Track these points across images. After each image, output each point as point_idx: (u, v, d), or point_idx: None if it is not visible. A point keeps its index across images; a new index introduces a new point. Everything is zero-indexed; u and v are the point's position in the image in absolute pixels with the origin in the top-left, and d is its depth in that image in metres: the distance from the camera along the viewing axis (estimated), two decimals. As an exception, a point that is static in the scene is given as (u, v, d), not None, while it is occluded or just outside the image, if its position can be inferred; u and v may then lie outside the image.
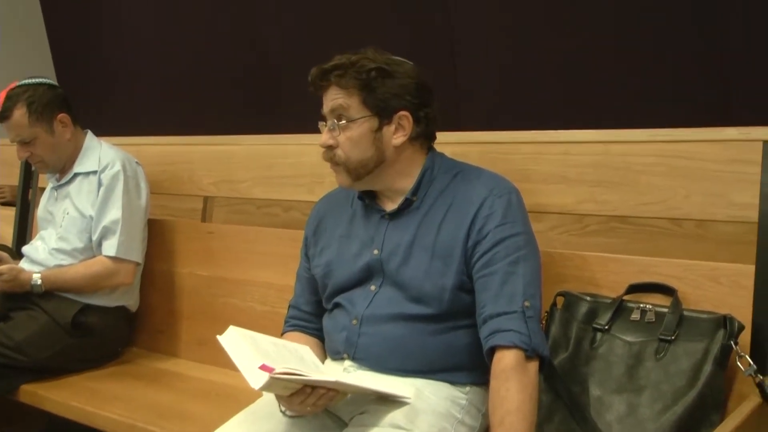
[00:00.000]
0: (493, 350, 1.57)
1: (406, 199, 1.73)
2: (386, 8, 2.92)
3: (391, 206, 1.76)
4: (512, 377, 1.52)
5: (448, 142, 1.99)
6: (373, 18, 2.95)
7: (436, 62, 2.71)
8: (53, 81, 2.53)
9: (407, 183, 1.75)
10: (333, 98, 1.70)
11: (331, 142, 1.72)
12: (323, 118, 1.74)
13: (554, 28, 2.54)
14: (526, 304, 1.58)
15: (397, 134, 1.71)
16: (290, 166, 2.48)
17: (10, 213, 3.10)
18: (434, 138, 1.79)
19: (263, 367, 1.49)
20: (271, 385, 1.48)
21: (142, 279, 2.61)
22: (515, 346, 1.54)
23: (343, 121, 1.69)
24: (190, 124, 3.23)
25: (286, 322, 1.91)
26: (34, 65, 3.96)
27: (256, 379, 1.47)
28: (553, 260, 1.85)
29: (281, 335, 1.88)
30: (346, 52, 1.71)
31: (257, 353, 1.55)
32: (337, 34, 2.92)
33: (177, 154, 2.80)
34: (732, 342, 1.56)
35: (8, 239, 3.01)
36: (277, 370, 1.47)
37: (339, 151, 1.71)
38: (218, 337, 1.61)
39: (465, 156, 1.94)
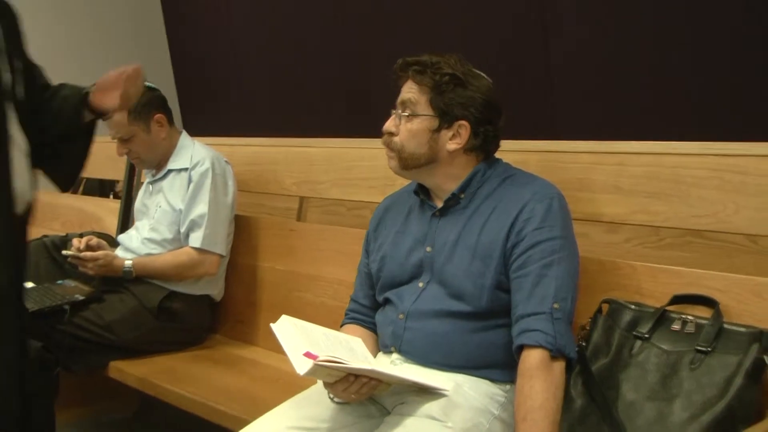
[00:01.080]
0: (520, 349, 1.64)
1: (453, 195, 1.82)
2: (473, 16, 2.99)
3: (441, 205, 1.85)
4: (537, 375, 1.59)
5: (510, 150, 2.04)
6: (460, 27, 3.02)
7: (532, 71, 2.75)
8: (153, 84, 2.75)
9: (456, 185, 1.83)
10: (407, 90, 1.82)
11: (392, 128, 1.83)
12: (395, 107, 1.85)
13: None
14: (555, 306, 1.64)
15: (453, 140, 1.80)
16: (367, 169, 2.60)
17: (117, 205, 3.36)
18: (492, 153, 1.87)
19: (307, 354, 1.61)
20: (315, 371, 1.58)
21: (227, 271, 2.78)
22: (540, 346, 1.61)
23: (408, 113, 1.80)
24: (293, 126, 3.43)
25: (345, 314, 2.02)
26: (153, 68, 4.27)
27: (301, 365, 1.59)
28: (604, 268, 1.89)
29: (340, 327, 1.98)
30: (435, 52, 1.83)
31: (306, 341, 1.67)
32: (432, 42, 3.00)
33: (264, 155, 2.98)
34: (766, 356, 1.57)
35: (113, 229, 3.27)
36: (321, 358, 1.58)
37: (396, 139, 1.82)
38: (271, 324, 1.74)
39: (524, 164, 2.01)
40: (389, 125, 1.84)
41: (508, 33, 2.83)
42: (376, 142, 2.51)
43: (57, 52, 4.66)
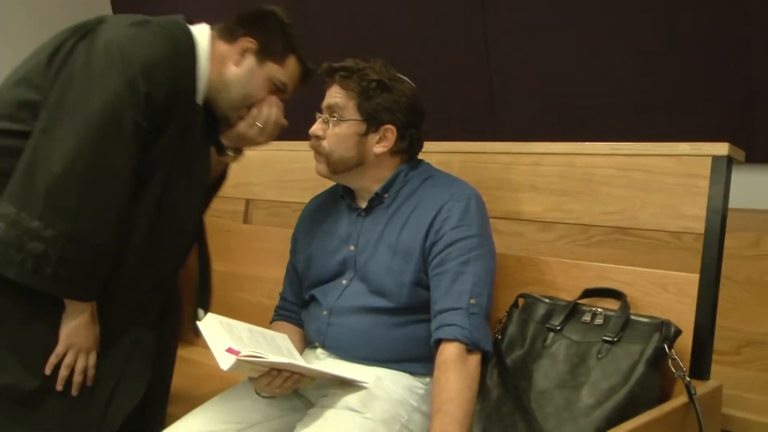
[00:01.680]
0: (438, 342, 1.70)
1: (377, 195, 1.87)
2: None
3: (365, 205, 1.90)
4: (452, 368, 1.65)
5: (434, 151, 2.11)
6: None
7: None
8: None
9: (380, 186, 1.89)
10: (333, 95, 1.85)
11: (320, 132, 1.86)
12: (321, 110, 1.90)
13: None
14: (472, 301, 1.70)
15: (379, 144, 1.85)
16: (300, 171, 2.65)
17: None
18: (415, 154, 1.93)
19: (230, 350, 1.66)
20: (238, 366, 1.63)
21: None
22: (456, 340, 1.67)
23: (335, 118, 1.84)
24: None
25: (274, 311, 2.06)
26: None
27: (224, 361, 1.64)
28: (520, 264, 1.96)
29: (270, 323, 2.03)
30: (358, 58, 1.87)
31: (230, 338, 1.72)
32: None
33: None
34: (666, 345, 1.66)
35: None
36: (243, 353, 1.63)
37: (324, 143, 1.86)
38: (197, 322, 1.79)
39: (447, 164, 2.08)
40: (316, 129, 1.88)
41: (449, 35, 2.89)
42: (305, 145, 2.58)
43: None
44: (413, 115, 1.87)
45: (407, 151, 1.89)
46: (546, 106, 2.67)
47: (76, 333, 1.81)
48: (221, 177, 2.11)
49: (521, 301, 1.89)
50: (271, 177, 2.77)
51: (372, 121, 1.84)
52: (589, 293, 1.83)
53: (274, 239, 2.54)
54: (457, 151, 2.17)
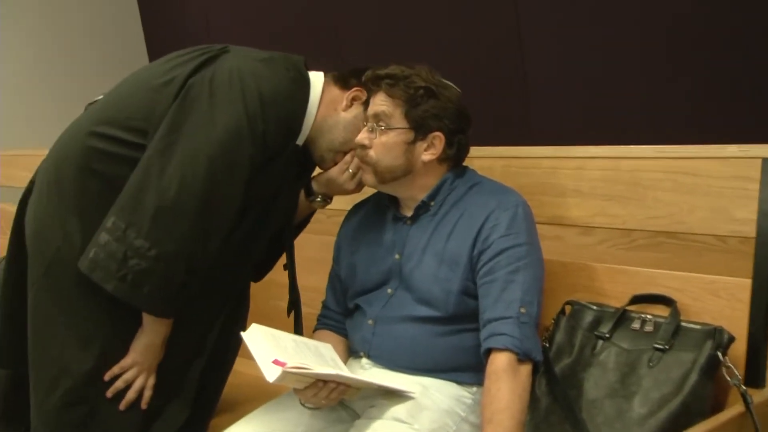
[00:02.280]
0: (488, 352, 1.70)
1: (423, 202, 1.86)
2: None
3: (411, 213, 1.89)
4: (503, 378, 1.65)
5: (477, 156, 2.09)
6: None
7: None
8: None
9: (426, 194, 1.87)
10: (379, 103, 1.84)
11: (366, 141, 1.85)
12: (366, 119, 1.89)
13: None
14: (522, 310, 1.69)
15: (427, 152, 1.84)
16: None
17: None
18: (462, 161, 1.92)
19: (276, 362, 1.66)
20: (284, 378, 1.64)
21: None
22: (507, 349, 1.66)
23: (382, 127, 1.83)
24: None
25: (317, 320, 2.06)
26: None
27: (270, 373, 1.64)
28: (567, 270, 1.94)
29: (313, 332, 2.03)
30: (403, 64, 1.87)
31: (276, 349, 1.72)
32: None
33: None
34: (719, 353, 1.63)
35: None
36: (289, 365, 1.63)
37: (372, 152, 1.84)
38: (242, 333, 1.79)
39: (489, 170, 2.05)
40: (363, 138, 1.85)
41: (484, 41, 2.88)
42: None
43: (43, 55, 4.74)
44: (460, 121, 1.86)
45: (454, 158, 1.88)
46: (583, 107, 2.64)
47: (146, 351, 1.86)
48: (304, 221, 2.15)
49: (568, 308, 1.87)
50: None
51: (420, 129, 1.82)
52: (637, 299, 1.81)
53: (312, 247, 2.47)
54: (499, 156, 2.15)
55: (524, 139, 2.49)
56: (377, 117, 1.84)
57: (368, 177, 1.88)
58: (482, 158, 2.13)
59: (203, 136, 1.77)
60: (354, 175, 1.96)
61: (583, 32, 2.64)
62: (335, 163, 1.98)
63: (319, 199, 2.04)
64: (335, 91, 1.94)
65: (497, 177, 1.97)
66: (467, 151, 1.91)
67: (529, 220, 1.81)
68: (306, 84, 1.91)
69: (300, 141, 1.92)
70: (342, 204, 2.55)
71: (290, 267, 2.09)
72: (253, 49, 1.94)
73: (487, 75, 2.86)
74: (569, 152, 2.05)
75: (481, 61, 2.91)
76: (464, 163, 1.94)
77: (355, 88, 1.93)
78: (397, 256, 1.86)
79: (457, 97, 1.86)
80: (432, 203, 1.86)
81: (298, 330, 2.09)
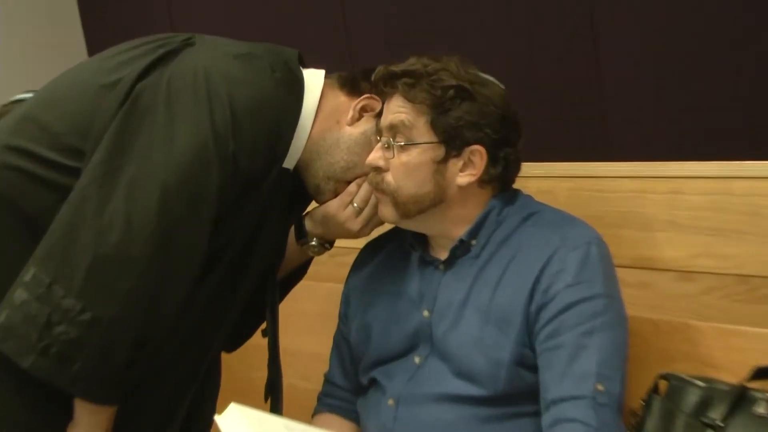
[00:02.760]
0: (554, 446, 1.62)
1: (461, 241, 1.80)
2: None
3: (445, 255, 1.83)
4: (575, 483, 1.58)
5: (533, 176, 2.05)
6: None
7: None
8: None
9: (466, 228, 1.81)
10: (396, 110, 1.78)
11: (381, 163, 1.79)
12: (379, 131, 1.82)
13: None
14: (599, 387, 1.62)
15: (464, 172, 1.77)
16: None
17: None
18: (511, 182, 1.86)
19: None
20: None
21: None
22: (580, 442, 1.60)
23: (402, 142, 1.77)
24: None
25: (318, 400, 2.02)
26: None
27: None
28: (659, 331, 1.89)
29: (312, 417, 2.00)
30: (426, 55, 1.80)
31: None
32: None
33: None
34: None
35: None
36: None
37: (389, 177, 1.79)
38: (216, 417, 1.68)
39: (551, 194, 2.07)
40: (376, 158, 1.80)
41: (553, 38, 2.84)
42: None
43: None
44: (507, 129, 1.79)
45: (500, 180, 1.81)
46: (678, 112, 2.58)
47: None
48: (296, 274, 2.10)
49: (663, 385, 1.78)
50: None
51: (452, 142, 1.76)
52: (762, 373, 1.71)
53: (312, 298, 2.45)
54: (563, 176, 2.13)
55: (597, 153, 2.43)
56: (394, 129, 1.78)
57: (386, 210, 1.81)
58: (540, 178, 2.11)
59: (156, 161, 1.68)
60: (360, 211, 1.90)
61: (675, 18, 2.56)
62: (336, 195, 1.91)
63: (313, 243, 1.97)
64: (340, 97, 1.89)
65: (562, 205, 1.91)
66: (518, 170, 1.85)
67: (606, 263, 1.75)
68: (298, 87, 1.83)
69: (289, 165, 1.85)
70: (352, 241, 2.48)
71: (271, 334, 2.01)
72: (228, 41, 1.87)
73: (546, 70, 2.82)
74: (660, 170, 2.01)
75: (539, 52, 2.87)
76: (514, 186, 1.89)
77: (366, 96, 1.88)
78: (425, 313, 1.81)
79: (500, 97, 1.80)
80: (473, 242, 1.80)
81: (274, 406, 2.03)
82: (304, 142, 1.84)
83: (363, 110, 1.87)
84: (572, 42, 2.73)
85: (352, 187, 1.88)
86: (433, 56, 1.80)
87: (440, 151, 1.76)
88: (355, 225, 1.90)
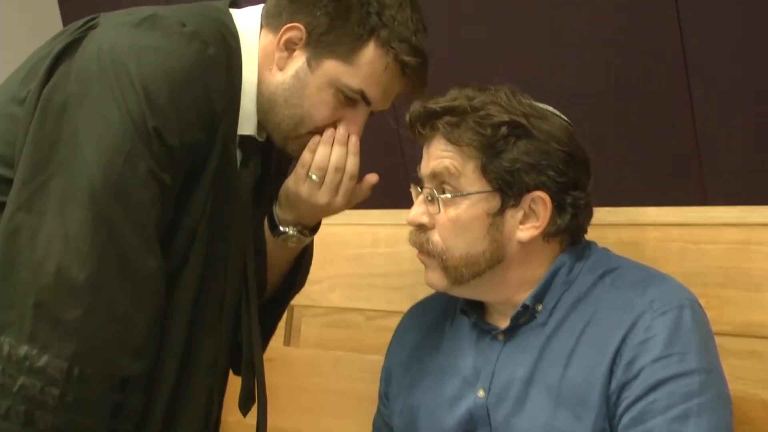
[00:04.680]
0: None
1: (524, 307, 1.81)
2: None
3: (505, 323, 1.85)
4: None
5: (610, 224, 2.11)
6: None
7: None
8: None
9: (529, 292, 1.83)
10: (438, 156, 1.82)
11: (424, 219, 1.83)
12: (417, 180, 1.85)
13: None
14: None
15: (525, 224, 1.81)
16: (388, 259, 2.61)
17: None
18: (582, 234, 1.88)
19: None
20: None
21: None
22: None
23: (448, 194, 1.80)
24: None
25: None
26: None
27: None
28: (772, 415, 1.89)
29: None
30: (469, 86, 1.83)
31: None
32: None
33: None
34: None
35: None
36: None
37: (435, 236, 1.82)
38: None
39: (635, 246, 2.06)
40: (418, 215, 1.84)
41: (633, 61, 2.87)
42: (402, 215, 2.52)
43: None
44: (574, 170, 1.82)
45: (569, 231, 1.84)
46: None
47: None
48: (292, 276, 2.14)
49: None
50: (336, 268, 2.73)
51: (509, 190, 1.79)
52: None
53: (346, 372, 2.53)
54: (649, 223, 2.13)
55: (691, 196, 2.43)
56: (438, 178, 1.82)
57: (434, 276, 1.85)
58: (620, 227, 2.14)
59: (80, 166, 1.70)
60: (321, 180, 1.93)
61: None
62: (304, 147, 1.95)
63: (290, 230, 2.01)
64: (268, 37, 1.92)
65: (648, 259, 1.95)
66: (589, 217, 1.88)
67: (703, 329, 1.74)
68: (227, 34, 1.87)
69: (249, 130, 1.90)
70: (382, 302, 2.52)
71: (260, 397, 2.06)
72: (131, 10, 1.88)
73: (624, 98, 2.80)
74: None
75: (616, 79, 2.86)
76: (587, 237, 1.92)
77: (286, 26, 1.89)
78: (481, 393, 1.83)
79: (563, 132, 1.83)
80: (539, 307, 1.83)
81: None
82: (253, 102, 1.89)
83: (288, 45, 1.89)
84: (658, 68, 2.74)
85: (305, 155, 1.92)
86: (478, 86, 1.83)
87: (495, 202, 1.79)
88: (322, 198, 1.94)
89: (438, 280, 1.84)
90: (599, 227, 1.91)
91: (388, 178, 3.10)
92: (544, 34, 2.86)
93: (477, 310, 1.89)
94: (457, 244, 1.80)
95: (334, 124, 1.90)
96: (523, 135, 1.78)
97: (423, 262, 1.86)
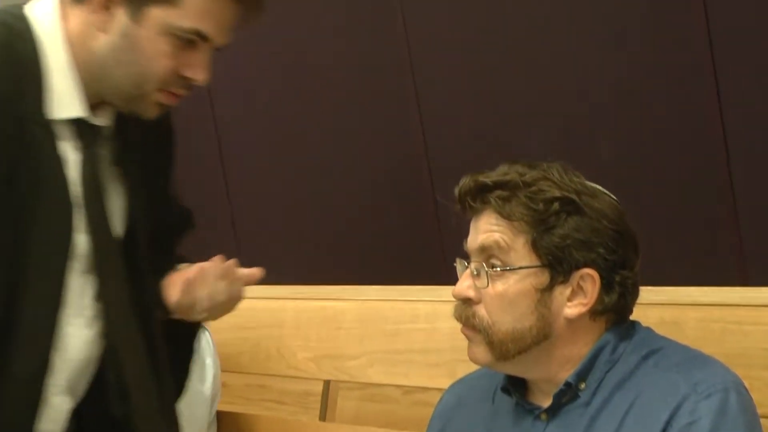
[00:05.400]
0: None
1: (568, 385, 1.79)
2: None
3: (548, 402, 1.83)
4: None
5: (654, 303, 2.08)
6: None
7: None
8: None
9: (571, 370, 1.82)
10: (487, 230, 1.81)
11: (471, 293, 1.81)
12: (465, 255, 1.84)
13: None
14: None
15: (573, 301, 1.79)
16: (426, 335, 2.61)
17: None
18: (628, 313, 1.87)
19: None
20: None
21: None
22: None
23: (497, 268, 1.79)
24: (306, 269, 3.47)
25: None
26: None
27: None
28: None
29: None
30: (519, 163, 1.83)
31: None
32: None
33: (261, 313, 3.02)
34: None
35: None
36: None
37: (482, 311, 1.80)
38: None
39: (677, 326, 2.05)
40: (464, 289, 1.82)
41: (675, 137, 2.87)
42: (441, 292, 2.52)
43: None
44: (623, 249, 1.81)
45: (616, 310, 1.82)
46: None
47: None
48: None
49: None
50: (373, 344, 2.74)
51: (559, 266, 1.78)
52: None
53: None
54: (691, 303, 2.13)
55: (733, 276, 2.39)
56: (487, 252, 1.81)
57: (478, 351, 1.83)
58: (662, 306, 2.13)
59: None
60: (212, 311, 2.01)
61: None
62: (157, 105, 1.87)
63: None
64: (75, 11, 1.83)
65: (690, 340, 1.91)
66: (636, 297, 1.87)
67: (750, 413, 1.71)
68: (6, 17, 1.82)
69: (69, 110, 1.83)
70: (421, 379, 2.52)
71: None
72: None
73: (665, 177, 2.78)
74: None
75: (656, 157, 2.84)
76: (631, 317, 1.90)
77: None
78: None
79: (614, 210, 1.82)
80: (582, 386, 1.81)
81: None
82: (69, 78, 1.83)
83: (104, 5, 1.80)
84: (698, 144, 2.73)
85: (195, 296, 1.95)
86: (529, 163, 1.83)
87: (544, 277, 1.78)
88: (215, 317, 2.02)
89: (482, 356, 1.82)
90: (641, 306, 1.89)
91: (426, 255, 3.13)
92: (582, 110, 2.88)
93: (519, 389, 1.88)
94: (504, 319, 1.79)
95: None
96: (575, 212, 1.78)
97: (467, 337, 1.84)
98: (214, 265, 1.96)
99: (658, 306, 2.08)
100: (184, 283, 1.94)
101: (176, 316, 1.98)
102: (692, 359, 1.79)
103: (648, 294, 1.91)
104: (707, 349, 1.83)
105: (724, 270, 2.59)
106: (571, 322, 1.79)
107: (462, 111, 3.03)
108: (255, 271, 2.01)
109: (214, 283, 1.95)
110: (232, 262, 1.98)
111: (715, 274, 2.31)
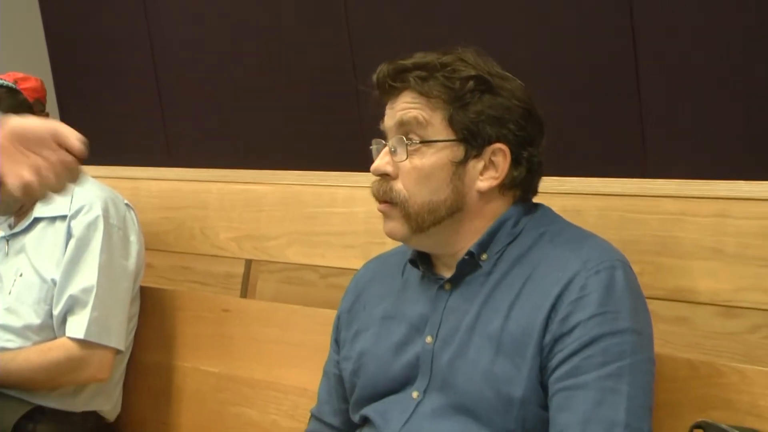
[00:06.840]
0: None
1: (470, 254, 1.85)
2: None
3: (452, 273, 1.88)
4: None
5: (559, 192, 2.14)
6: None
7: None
8: (13, 85, 2.80)
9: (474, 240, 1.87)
10: (406, 107, 1.85)
11: (389, 168, 1.85)
12: (381, 135, 1.88)
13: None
14: None
15: (485, 174, 1.85)
16: (343, 218, 2.66)
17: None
18: (533, 192, 1.93)
19: None
20: None
21: (127, 374, 2.81)
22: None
23: (417, 141, 1.84)
24: (230, 153, 3.50)
25: None
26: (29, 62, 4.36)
27: None
28: (696, 374, 1.91)
29: None
30: (437, 50, 1.87)
31: None
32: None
33: (187, 196, 3.06)
34: None
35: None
36: None
37: (398, 185, 1.85)
38: None
39: (578, 213, 2.09)
40: (383, 165, 1.86)
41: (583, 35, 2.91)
42: (358, 178, 2.58)
43: None
44: (531, 126, 1.87)
45: (522, 185, 1.88)
46: (724, 125, 2.62)
47: None
48: None
49: None
50: (293, 226, 2.78)
51: (473, 140, 1.83)
52: None
53: (300, 324, 2.54)
54: (592, 193, 2.17)
55: (632, 168, 2.48)
56: (405, 127, 1.85)
57: (396, 226, 1.87)
58: (565, 195, 2.18)
59: None
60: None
61: (720, 21, 2.63)
62: None
63: None
64: None
65: (590, 226, 1.97)
66: (540, 175, 1.93)
67: (634, 290, 1.79)
68: None
69: None
70: (336, 259, 2.57)
71: None
72: None
73: (572, 72, 2.87)
74: (705, 190, 2.05)
75: (565, 52, 2.91)
76: (536, 200, 1.95)
77: None
78: (428, 339, 1.86)
79: (522, 91, 1.89)
80: (484, 256, 1.86)
81: None
82: None
83: None
84: (605, 41, 2.80)
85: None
86: (443, 50, 1.87)
87: (459, 151, 1.83)
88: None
89: (399, 229, 1.85)
90: (544, 195, 1.95)
91: (345, 142, 3.17)
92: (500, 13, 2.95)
93: (426, 262, 1.91)
94: (421, 191, 1.83)
95: None
96: (488, 90, 1.83)
97: (384, 213, 1.87)
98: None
99: (561, 195, 2.12)
100: None
101: None
102: (584, 238, 1.85)
103: (552, 183, 1.98)
104: (606, 236, 1.89)
105: (626, 163, 2.68)
106: (482, 195, 1.84)
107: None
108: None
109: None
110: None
111: (617, 168, 2.35)
